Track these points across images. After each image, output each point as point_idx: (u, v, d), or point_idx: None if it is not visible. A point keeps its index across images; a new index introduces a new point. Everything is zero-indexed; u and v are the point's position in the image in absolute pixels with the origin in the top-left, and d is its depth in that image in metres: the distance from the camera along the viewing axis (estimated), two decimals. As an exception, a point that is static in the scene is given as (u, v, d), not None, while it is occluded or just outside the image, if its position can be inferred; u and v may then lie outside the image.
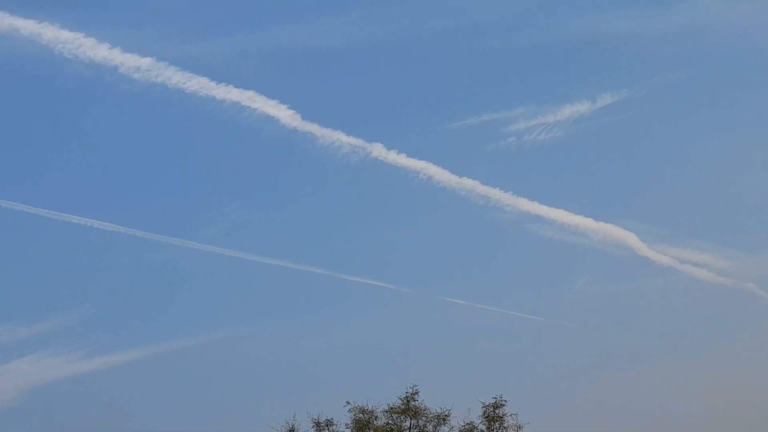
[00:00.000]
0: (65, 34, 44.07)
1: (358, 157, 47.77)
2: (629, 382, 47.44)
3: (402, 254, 53.17)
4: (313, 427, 32.14)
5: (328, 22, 54.15)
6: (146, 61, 44.88)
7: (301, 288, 50.26)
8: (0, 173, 51.62)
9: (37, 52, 45.60)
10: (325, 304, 50.62)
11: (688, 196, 55.78)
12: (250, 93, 46.49)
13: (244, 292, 51.43)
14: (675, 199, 55.24)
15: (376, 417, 32.25)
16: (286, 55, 54.12)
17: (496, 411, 32.32)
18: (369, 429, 31.81)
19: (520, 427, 32.18)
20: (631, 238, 49.38)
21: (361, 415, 32.17)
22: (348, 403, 32.21)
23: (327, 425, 32.16)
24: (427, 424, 32.24)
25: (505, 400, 32.38)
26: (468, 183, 48.27)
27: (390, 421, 32.09)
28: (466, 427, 32.23)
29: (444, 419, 32.40)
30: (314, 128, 46.85)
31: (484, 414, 32.46)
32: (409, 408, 32.29)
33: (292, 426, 32.03)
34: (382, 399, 32.12)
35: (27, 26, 44.15)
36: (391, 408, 32.32)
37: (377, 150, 47.54)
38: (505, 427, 32.24)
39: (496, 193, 48.52)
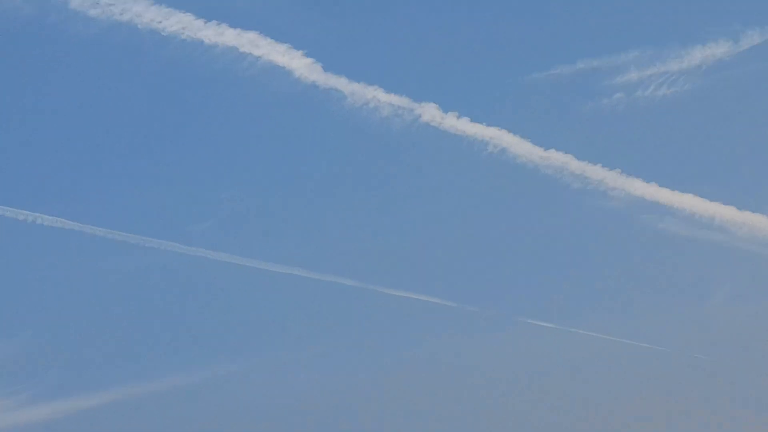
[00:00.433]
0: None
1: (402, 123, 44.20)
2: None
3: (465, 259, 46.59)
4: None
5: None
6: (107, -9, 41.80)
7: (323, 305, 44.41)
8: None
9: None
10: (356, 327, 44.67)
11: None
12: (252, 35, 42.92)
13: (243, 311, 44.95)
14: None
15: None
16: (302, -17, 49.38)
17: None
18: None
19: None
20: (789, 235, 46.32)
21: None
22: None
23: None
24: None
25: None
26: (558, 158, 44.79)
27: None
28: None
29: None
30: (341, 83, 43.78)
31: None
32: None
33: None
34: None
35: None
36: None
37: (429, 112, 44.21)
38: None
39: (597, 172, 44.80)
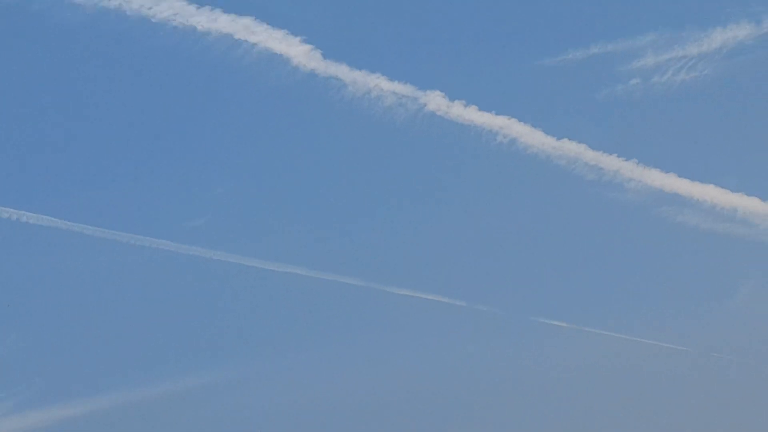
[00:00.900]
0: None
1: (406, 112, 43.46)
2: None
3: (474, 256, 45.67)
4: None
5: None
6: (93, -24, 41.78)
7: (325, 306, 43.58)
8: None
9: None
10: (360, 329, 43.80)
11: None
12: (247, 20, 42.31)
13: (241, 312, 44.23)
14: None
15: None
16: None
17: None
18: None
19: None
20: (818, 228, 45.25)
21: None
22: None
23: None
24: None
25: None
26: (571, 147, 44.03)
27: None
28: None
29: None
30: (342, 71, 43.20)
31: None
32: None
33: None
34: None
35: None
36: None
37: (435, 101, 43.65)
38: None
39: (612, 162, 43.97)
